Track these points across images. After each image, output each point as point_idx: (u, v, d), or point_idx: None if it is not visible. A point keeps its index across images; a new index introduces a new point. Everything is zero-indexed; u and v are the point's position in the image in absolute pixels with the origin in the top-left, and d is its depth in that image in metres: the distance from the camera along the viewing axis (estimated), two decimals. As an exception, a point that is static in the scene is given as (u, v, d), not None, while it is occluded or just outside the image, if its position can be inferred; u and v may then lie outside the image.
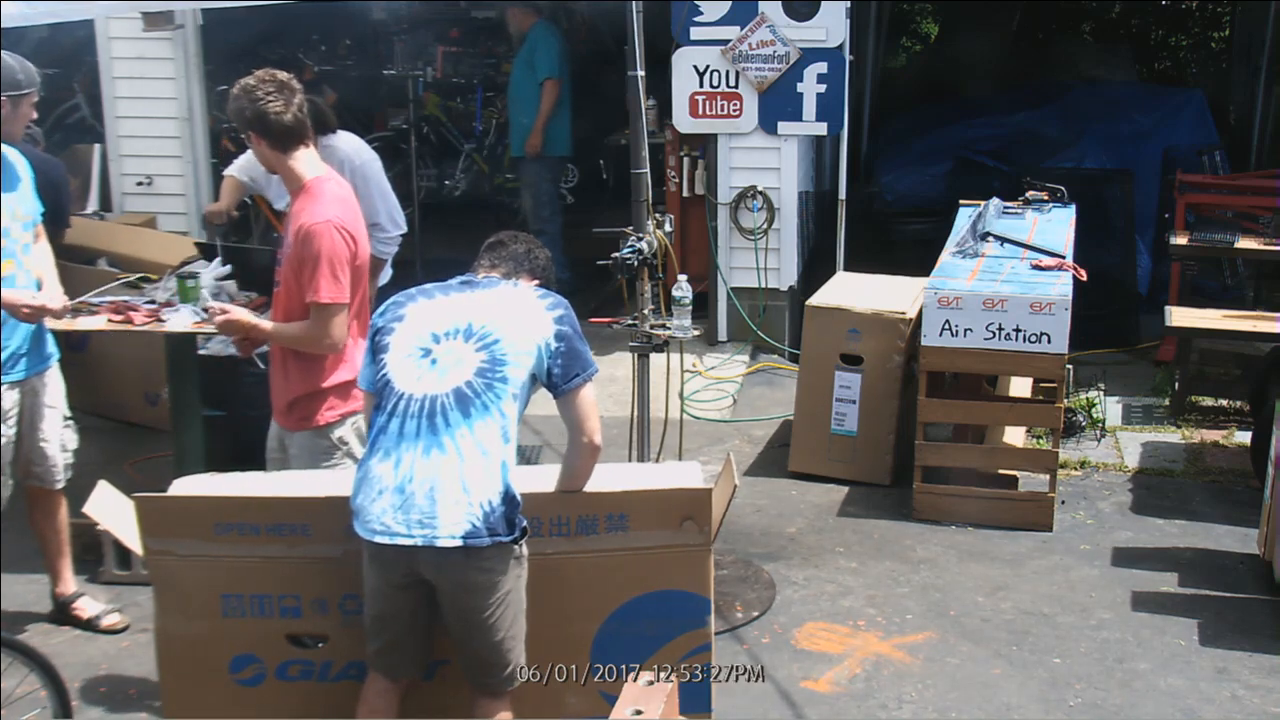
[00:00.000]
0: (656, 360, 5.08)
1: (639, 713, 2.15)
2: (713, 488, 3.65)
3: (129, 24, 7.92)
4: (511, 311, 3.42)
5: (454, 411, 3.28)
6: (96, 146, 8.28)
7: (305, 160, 4.12)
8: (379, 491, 3.27)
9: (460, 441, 3.26)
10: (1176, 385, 7.04)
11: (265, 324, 4.19)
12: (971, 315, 5.56)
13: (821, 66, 7.61)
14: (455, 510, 3.21)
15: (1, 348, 4.43)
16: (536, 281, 3.64)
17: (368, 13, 10.65)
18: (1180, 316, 6.86)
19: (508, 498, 3.29)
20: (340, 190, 4.20)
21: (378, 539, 3.26)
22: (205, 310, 4.40)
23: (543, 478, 3.57)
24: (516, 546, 3.33)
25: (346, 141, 5.72)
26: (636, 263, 4.75)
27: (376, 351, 3.42)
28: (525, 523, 3.35)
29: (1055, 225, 6.73)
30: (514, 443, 3.36)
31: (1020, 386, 6.47)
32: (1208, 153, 9.32)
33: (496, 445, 3.29)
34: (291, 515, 3.50)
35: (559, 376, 3.40)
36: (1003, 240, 6.41)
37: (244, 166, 5.93)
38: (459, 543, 3.21)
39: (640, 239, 4.79)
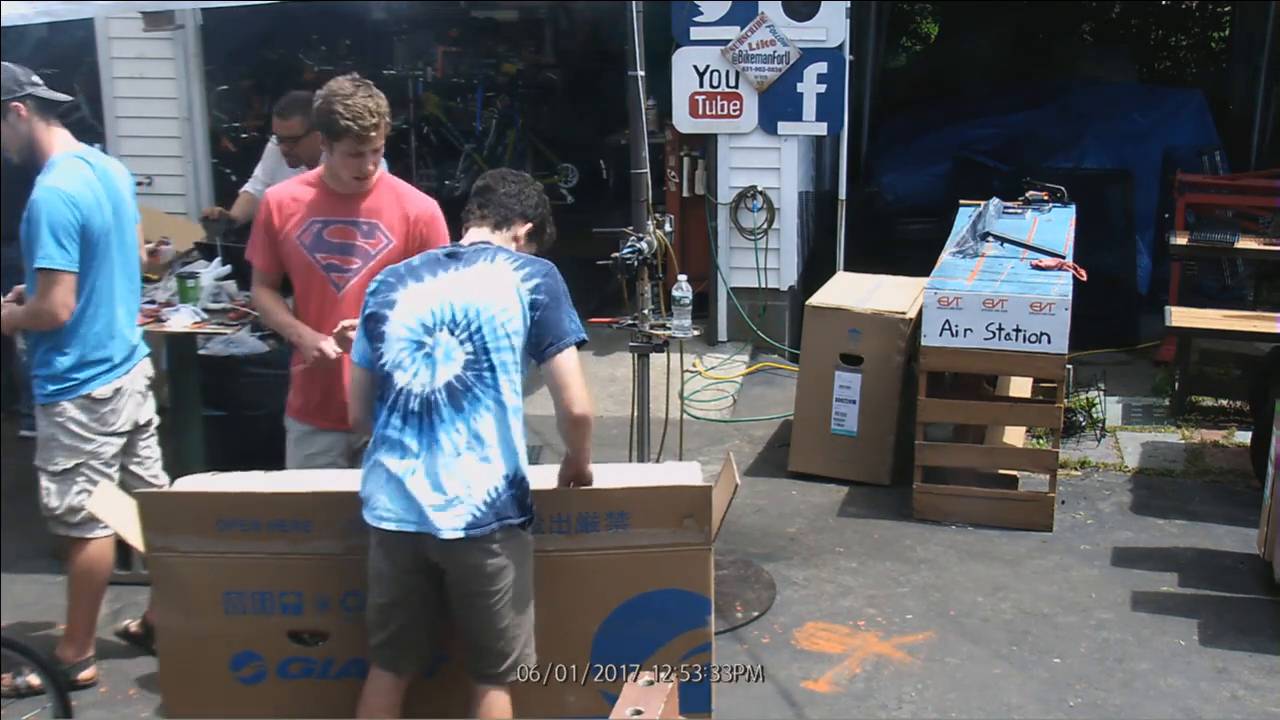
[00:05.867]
0: (656, 360, 5.08)
1: (639, 712, 2.14)
2: (713, 486, 3.65)
3: (129, 24, 7.92)
4: (491, 294, 3.36)
5: (447, 407, 3.29)
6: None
7: None
8: (385, 479, 3.30)
9: (455, 437, 3.28)
10: (1176, 385, 7.04)
11: None
12: (971, 315, 5.56)
13: (821, 66, 7.61)
14: (457, 507, 3.25)
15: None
16: (529, 226, 3.57)
17: (368, 13, 10.66)
18: (1180, 316, 6.87)
19: (514, 480, 3.32)
20: None
21: (385, 525, 3.29)
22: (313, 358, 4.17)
23: (541, 477, 3.57)
24: (524, 532, 3.36)
25: None
26: (636, 263, 4.74)
27: (372, 337, 3.41)
28: (534, 505, 3.38)
29: (1055, 225, 6.73)
30: (518, 419, 3.37)
31: (1020, 386, 6.47)
32: (1208, 153, 9.33)
33: (494, 433, 3.31)
34: (293, 511, 3.51)
35: (534, 346, 3.38)
36: (1003, 240, 6.41)
37: (264, 183, 5.93)
38: (461, 534, 3.25)
39: (640, 239, 4.79)
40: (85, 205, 4.21)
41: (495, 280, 3.39)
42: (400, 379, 3.34)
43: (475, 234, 3.56)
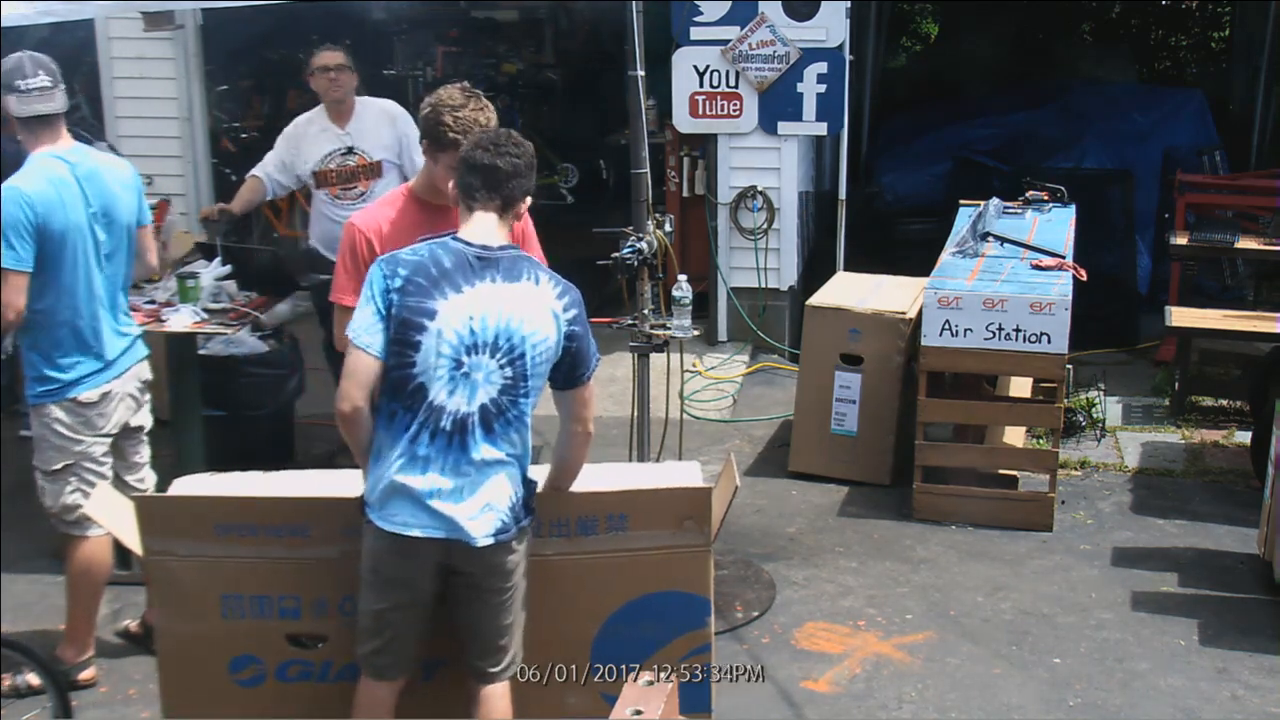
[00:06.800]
0: (656, 360, 5.08)
1: (639, 713, 2.14)
2: (713, 488, 3.65)
3: (129, 24, 7.92)
4: (536, 321, 3.31)
5: (479, 429, 3.29)
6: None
7: None
8: (407, 493, 3.27)
9: (486, 454, 3.29)
10: (1176, 385, 7.04)
11: None
12: (971, 315, 5.56)
13: (821, 66, 7.61)
14: (487, 514, 3.29)
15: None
16: (529, 200, 3.47)
17: (368, 13, 10.65)
18: (1180, 316, 6.86)
19: (526, 483, 3.39)
20: None
21: (410, 532, 3.27)
22: None
23: (542, 478, 3.57)
24: (529, 529, 3.43)
25: (375, 100, 6.00)
26: (636, 263, 4.74)
27: (401, 341, 3.24)
28: (534, 504, 3.44)
29: (1055, 225, 6.73)
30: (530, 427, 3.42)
31: (1020, 386, 6.47)
32: (1208, 153, 9.32)
33: (518, 448, 3.37)
34: (291, 516, 3.50)
35: (564, 374, 3.40)
36: (1003, 240, 6.41)
37: (274, 166, 5.91)
38: (493, 541, 3.29)
39: (640, 239, 4.79)
40: (44, 204, 4.14)
41: (540, 305, 3.32)
42: (435, 396, 3.26)
43: (485, 221, 3.38)
